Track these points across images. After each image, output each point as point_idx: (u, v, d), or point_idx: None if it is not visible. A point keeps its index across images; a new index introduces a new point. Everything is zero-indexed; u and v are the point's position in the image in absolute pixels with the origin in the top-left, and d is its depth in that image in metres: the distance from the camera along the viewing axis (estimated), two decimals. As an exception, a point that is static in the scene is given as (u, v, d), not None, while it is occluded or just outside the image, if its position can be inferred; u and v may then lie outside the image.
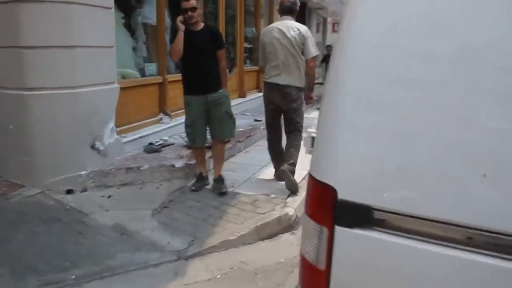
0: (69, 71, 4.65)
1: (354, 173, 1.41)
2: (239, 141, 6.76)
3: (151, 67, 7.08)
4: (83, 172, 4.81)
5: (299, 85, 4.90)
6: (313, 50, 4.83)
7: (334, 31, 22.22)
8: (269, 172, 5.71)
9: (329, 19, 21.90)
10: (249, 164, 6.09)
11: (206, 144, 5.03)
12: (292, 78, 4.83)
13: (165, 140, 6.29)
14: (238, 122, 8.04)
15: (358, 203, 1.37)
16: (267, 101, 5.11)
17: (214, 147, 5.01)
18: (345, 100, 1.44)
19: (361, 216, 1.37)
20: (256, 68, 11.20)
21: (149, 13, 7.04)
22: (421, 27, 1.32)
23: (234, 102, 8.68)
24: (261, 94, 10.94)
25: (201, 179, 5.01)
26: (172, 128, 6.66)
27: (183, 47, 4.59)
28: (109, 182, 4.94)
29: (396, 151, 1.34)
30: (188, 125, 4.81)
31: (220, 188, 4.84)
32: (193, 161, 5.21)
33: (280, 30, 4.79)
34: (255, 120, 8.53)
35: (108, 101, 5.15)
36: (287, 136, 5.14)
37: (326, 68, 14.04)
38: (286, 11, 4.93)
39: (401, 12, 1.35)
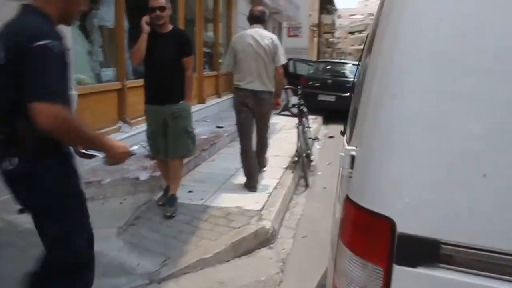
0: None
1: (417, 202, 1.14)
2: (204, 150, 6.44)
3: (108, 72, 6.67)
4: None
5: (271, 90, 5.14)
6: (283, 58, 5.08)
7: (289, 35, 22.27)
8: (238, 181, 5.47)
9: (284, 24, 21.88)
10: (216, 174, 5.79)
11: None
12: (265, 84, 5.06)
13: (125, 150, 5.87)
14: (199, 129, 7.77)
15: (423, 237, 1.10)
16: (240, 105, 5.17)
17: (170, 165, 4.49)
18: (404, 117, 1.18)
19: (427, 252, 1.11)
20: (215, 73, 10.94)
21: (106, 15, 6.63)
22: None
23: (194, 108, 8.34)
24: (220, 100, 10.82)
25: (167, 192, 4.63)
26: (132, 136, 6.24)
27: (146, 50, 4.20)
28: (67, 198, 4.49)
29: (470, 176, 1.08)
30: (149, 137, 4.51)
31: (168, 210, 4.34)
32: (158, 173, 4.86)
33: (254, 38, 4.95)
34: (217, 127, 8.25)
35: (64, 109, 4.71)
36: (257, 139, 5.49)
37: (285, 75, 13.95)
38: (255, 20, 5.16)
39: (467, 19, 1.12)
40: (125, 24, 6.53)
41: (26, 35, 1.83)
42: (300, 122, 6.57)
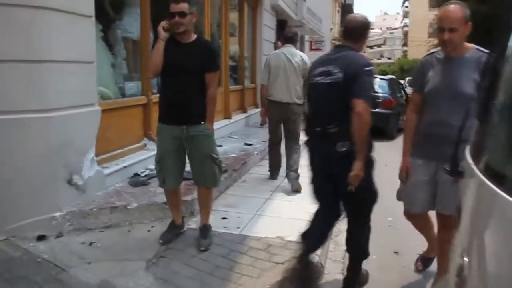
0: (37, 91, 3.79)
1: None
2: (235, 170, 5.96)
3: (132, 86, 6.27)
4: (57, 213, 3.93)
5: (299, 103, 5.75)
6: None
7: (312, 49, 21.88)
8: (274, 206, 4.98)
9: (306, 37, 21.50)
10: (249, 197, 5.31)
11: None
12: (294, 97, 5.74)
13: (151, 170, 5.43)
14: (227, 146, 7.34)
15: None
16: (272, 115, 6.02)
17: (198, 192, 4.03)
18: None
19: None
20: (240, 87, 10.58)
21: (130, 26, 6.25)
22: None
23: (219, 124, 7.96)
24: (246, 114, 10.38)
25: (173, 228, 4.00)
26: (158, 155, 5.81)
27: (164, 61, 3.67)
28: (90, 225, 4.06)
29: None
30: (157, 161, 3.82)
31: (200, 244, 3.86)
32: (189, 197, 4.40)
33: (286, 56, 5.73)
34: (246, 144, 7.78)
35: (87, 126, 4.30)
36: (286, 145, 6.04)
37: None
38: (288, 40, 6.01)
39: None
40: (151, 35, 6.10)
41: (359, 64, 2.95)
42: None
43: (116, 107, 5.23)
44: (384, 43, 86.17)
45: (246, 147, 7.58)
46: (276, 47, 9.17)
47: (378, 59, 79.68)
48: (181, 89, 3.69)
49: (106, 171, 4.72)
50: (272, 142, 6.20)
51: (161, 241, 3.86)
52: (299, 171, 5.74)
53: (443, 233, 3.29)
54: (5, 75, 3.67)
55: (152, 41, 6.17)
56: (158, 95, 6.09)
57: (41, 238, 3.84)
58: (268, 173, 6.33)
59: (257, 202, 5.13)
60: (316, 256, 3.76)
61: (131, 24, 6.21)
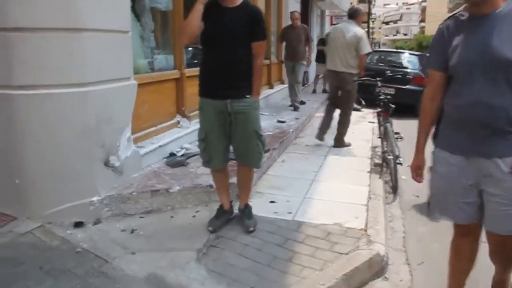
0: (75, 63, 3.41)
1: None
2: (274, 149, 5.56)
3: (161, 60, 5.88)
4: (95, 198, 3.58)
5: (352, 72, 6.34)
6: (365, 48, 6.30)
7: (332, 23, 21.25)
8: (323, 189, 4.63)
9: (327, 12, 20.85)
10: (294, 179, 4.93)
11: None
12: (346, 67, 6.34)
13: (187, 149, 5.08)
14: (263, 123, 6.91)
15: None
16: (331, 82, 6.99)
17: (239, 172, 3.69)
18: None
19: None
20: (267, 62, 10.28)
21: (158, -4, 5.79)
22: None
23: (263, 94, 7.78)
24: (273, 90, 10.02)
25: (222, 213, 3.66)
26: (193, 133, 5.42)
27: (206, 28, 3.25)
28: (130, 210, 3.71)
29: None
30: (201, 139, 3.48)
31: (247, 225, 3.58)
32: (234, 179, 4.00)
33: (341, 31, 6.36)
34: (279, 121, 7.38)
35: (124, 102, 3.92)
36: (340, 114, 6.68)
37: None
38: (348, 16, 6.64)
39: None
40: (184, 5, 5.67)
41: None
42: (387, 119, 5.64)
43: (149, 82, 4.83)
44: (400, 19, 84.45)
45: (279, 124, 7.18)
46: (292, 19, 9.20)
47: (394, 35, 78.25)
48: (225, 59, 3.28)
49: (142, 151, 4.35)
50: (328, 105, 6.98)
51: (210, 229, 3.50)
52: (345, 138, 6.67)
53: (498, 267, 2.64)
54: (41, 45, 3.28)
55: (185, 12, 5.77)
56: (190, 69, 5.79)
57: (78, 225, 3.51)
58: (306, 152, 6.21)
59: (303, 184, 4.75)
60: (381, 248, 3.39)
61: (160, -7, 5.77)
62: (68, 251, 3.16)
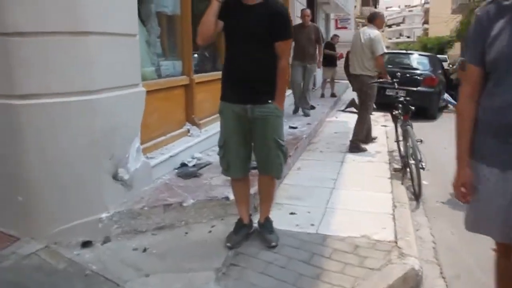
0: (81, 69, 3.15)
1: None
2: (289, 156, 5.28)
3: (168, 66, 5.64)
4: (104, 215, 3.32)
5: (369, 74, 6.40)
6: (379, 49, 6.29)
7: (337, 27, 21.05)
8: (344, 198, 4.37)
9: (332, 15, 20.63)
10: (312, 187, 4.67)
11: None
12: (363, 69, 6.42)
13: (198, 159, 4.82)
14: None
15: None
16: (352, 87, 7.25)
17: (260, 181, 3.43)
18: None
19: None
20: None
21: (164, 0, 5.56)
22: None
23: None
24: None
25: (240, 228, 3.40)
26: (204, 141, 5.20)
27: (226, 27, 3.03)
28: (141, 226, 3.46)
29: None
30: (220, 145, 3.26)
31: (268, 240, 3.31)
32: (252, 189, 3.74)
33: (359, 35, 6.52)
34: (290, 127, 7.11)
35: (133, 110, 3.67)
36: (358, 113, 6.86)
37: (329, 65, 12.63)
38: (367, 20, 6.89)
39: None
40: (192, 10, 5.44)
41: None
42: (407, 121, 5.37)
43: (156, 89, 4.57)
44: (403, 22, 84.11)
45: (291, 130, 6.92)
46: (302, 16, 8.81)
47: (397, 38, 77.89)
48: (245, 60, 3.04)
49: (152, 162, 4.09)
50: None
51: (228, 245, 3.24)
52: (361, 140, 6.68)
53: None
54: (45, 50, 3.04)
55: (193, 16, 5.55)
56: (200, 75, 5.55)
57: (86, 244, 3.25)
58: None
59: (322, 193, 4.48)
60: (415, 262, 3.11)
61: (166, -2, 5.55)
62: (76, 274, 2.91)
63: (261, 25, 2.99)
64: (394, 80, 6.15)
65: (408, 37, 78.10)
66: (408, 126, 5.23)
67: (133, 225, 3.42)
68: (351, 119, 9.28)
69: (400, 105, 5.60)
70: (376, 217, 3.91)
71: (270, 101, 3.08)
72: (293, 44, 8.61)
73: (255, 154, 3.29)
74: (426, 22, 66.47)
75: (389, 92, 11.19)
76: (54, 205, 3.20)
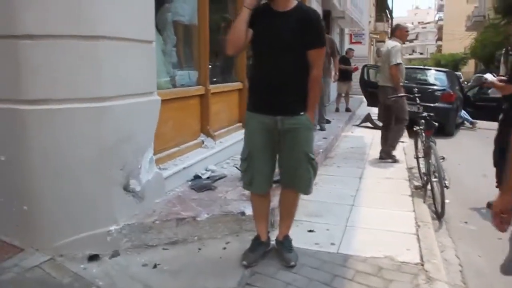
0: (92, 74, 3.01)
1: None
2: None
3: (184, 76, 5.50)
4: (113, 227, 3.15)
5: (389, 85, 6.49)
6: (393, 60, 6.34)
7: (351, 42, 20.93)
8: (365, 216, 4.18)
9: (346, 30, 20.52)
10: (331, 204, 4.46)
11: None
12: (385, 81, 6.63)
13: (213, 171, 4.65)
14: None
15: None
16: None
17: (283, 196, 3.26)
18: None
19: None
20: None
21: (181, 9, 5.43)
22: None
23: None
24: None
25: (258, 246, 3.19)
26: (218, 153, 5.02)
27: (256, 35, 2.86)
28: (152, 241, 3.28)
29: None
30: (244, 158, 3.06)
31: (287, 259, 3.11)
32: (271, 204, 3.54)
33: (383, 48, 6.89)
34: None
35: (146, 119, 3.51)
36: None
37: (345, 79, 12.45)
38: (390, 34, 7.47)
39: None
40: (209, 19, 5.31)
41: None
42: (430, 137, 5.17)
43: (171, 98, 4.42)
44: (416, 38, 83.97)
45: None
46: None
47: (410, 54, 77.69)
48: (276, 70, 2.86)
49: (165, 174, 3.92)
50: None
51: (244, 263, 3.04)
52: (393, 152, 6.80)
53: None
54: (54, 54, 2.89)
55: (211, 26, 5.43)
56: (216, 85, 5.40)
57: (93, 258, 3.07)
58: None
59: (342, 210, 4.28)
60: (445, 287, 2.90)
61: (182, 7, 5.40)
62: (82, 290, 2.72)
63: (293, 32, 2.82)
64: (416, 95, 5.97)
65: (421, 53, 77.94)
66: (432, 143, 5.02)
67: (144, 239, 3.25)
68: (367, 134, 9.12)
69: (423, 121, 5.41)
70: (399, 237, 3.70)
71: (302, 113, 2.92)
72: None
73: (281, 168, 3.10)
74: (439, 38, 66.32)
75: (408, 108, 11.04)
76: (60, 215, 3.04)
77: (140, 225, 3.24)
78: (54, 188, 3.01)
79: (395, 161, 6.63)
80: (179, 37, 5.42)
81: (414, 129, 5.82)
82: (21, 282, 2.75)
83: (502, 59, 31.03)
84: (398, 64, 6.32)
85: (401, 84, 6.50)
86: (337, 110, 12.55)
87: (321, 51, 2.93)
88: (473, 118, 12.18)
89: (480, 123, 11.86)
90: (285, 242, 3.19)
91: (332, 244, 3.47)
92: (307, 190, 3.13)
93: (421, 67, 15.30)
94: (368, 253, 3.31)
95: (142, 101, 3.42)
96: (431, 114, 5.44)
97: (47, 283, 2.77)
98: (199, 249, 3.31)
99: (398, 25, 6.98)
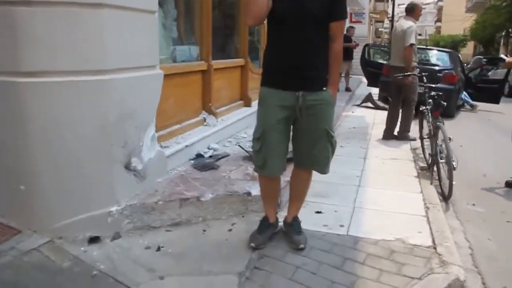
0: (93, 45, 2.83)
1: None
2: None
3: (184, 51, 5.35)
4: (114, 208, 3.01)
5: (403, 65, 6.34)
6: (408, 41, 6.24)
7: (352, 21, 20.64)
8: (372, 197, 4.07)
9: (348, 9, 20.20)
10: (337, 184, 4.34)
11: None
12: (399, 61, 6.49)
13: (215, 149, 4.51)
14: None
15: None
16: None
17: (295, 176, 3.10)
18: None
19: None
20: None
21: (182, -18, 5.25)
22: None
23: None
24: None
25: (266, 227, 3.05)
26: (220, 131, 4.87)
27: (276, 6, 2.63)
28: (154, 222, 3.14)
29: None
30: (257, 138, 2.82)
31: (296, 241, 2.98)
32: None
33: (396, 27, 6.71)
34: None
35: (149, 94, 3.36)
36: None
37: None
38: (405, 12, 6.78)
39: None
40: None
41: None
42: (438, 118, 5.03)
43: (173, 73, 4.26)
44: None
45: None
46: None
47: (408, 35, 77.13)
48: (299, 43, 2.68)
49: (167, 152, 3.78)
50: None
51: (252, 245, 2.92)
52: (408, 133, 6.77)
53: None
54: (53, 23, 2.71)
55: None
56: (218, 61, 5.22)
57: (94, 240, 2.94)
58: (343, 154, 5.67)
59: (349, 191, 4.17)
60: (460, 271, 2.79)
61: (183, -21, 5.22)
62: (82, 274, 2.60)
63: (317, 3, 2.65)
64: (424, 74, 5.86)
65: (420, 34, 76.99)
66: (440, 123, 4.88)
67: (146, 221, 3.12)
68: (368, 114, 8.98)
69: (430, 101, 5.27)
70: (409, 219, 3.58)
71: (324, 88, 2.78)
72: None
73: (296, 146, 2.94)
74: (439, 20, 65.82)
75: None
76: (59, 196, 2.90)
77: (142, 205, 3.10)
78: (52, 166, 2.86)
79: (413, 139, 6.58)
80: (180, 10, 5.23)
81: (421, 109, 5.67)
82: (18, 265, 2.62)
83: (502, 41, 30.79)
84: (412, 45, 6.24)
85: (414, 65, 6.43)
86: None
87: (343, 24, 2.79)
88: (473, 100, 12.05)
89: (481, 105, 11.74)
90: (294, 224, 3.07)
91: (341, 226, 3.35)
92: (325, 169, 2.98)
93: (423, 47, 15.07)
94: (379, 235, 3.20)
95: (144, 75, 3.26)
96: (440, 93, 5.28)
97: (45, 267, 2.64)
98: (204, 230, 3.18)
99: (415, 4, 6.70)
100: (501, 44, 31.41)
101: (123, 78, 2.98)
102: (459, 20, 42.35)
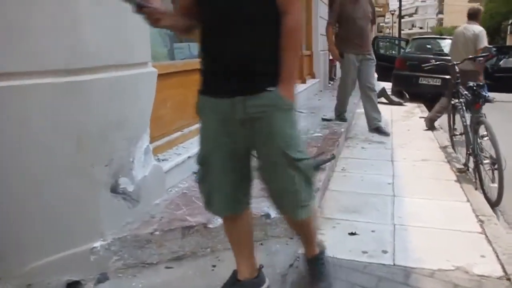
0: (67, 39, 2.18)
1: None
2: (333, 156, 4.32)
3: (183, 48, 4.79)
4: (98, 243, 2.37)
5: (473, 69, 6.02)
6: (481, 43, 6.23)
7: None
8: (413, 210, 3.42)
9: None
10: (367, 195, 3.71)
11: None
12: (469, 65, 5.95)
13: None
14: (304, 123, 5.54)
15: None
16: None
17: (289, 224, 2.26)
18: None
19: None
20: (309, 52, 10.11)
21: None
22: None
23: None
24: (306, 85, 8.78)
25: (231, 285, 2.20)
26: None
27: None
28: (151, 258, 2.50)
29: None
30: (199, 163, 2.01)
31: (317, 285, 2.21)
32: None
33: (463, 30, 6.53)
34: (324, 119, 6.15)
35: (140, 97, 2.71)
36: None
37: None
38: (468, 18, 6.63)
39: None
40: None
41: None
42: (479, 111, 4.38)
43: (170, 72, 3.63)
44: (415, 12, 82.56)
45: (326, 123, 5.96)
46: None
47: (410, 29, 76.43)
48: (228, 26, 1.80)
49: (165, 166, 3.14)
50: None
51: None
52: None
53: None
54: (17, 13, 2.09)
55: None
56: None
57: (72, 285, 2.30)
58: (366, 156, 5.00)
59: (383, 203, 3.51)
60: None
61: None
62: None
63: None
64: (455, 62, 5.34)
65: (421, 28, 76.66)
66: (482, 118, 4.23)
67: (140, 256, 2.48)
68: (384, 110, 8.30)
69: (466, 93, 4.64)
70: (464, 238, 2.94)
71: (270, 88, 1.82)
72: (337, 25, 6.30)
73: (266, 183, 2.00)
74: (440, 12, 65.14)
75: (422, 81, 10.24)
76: (28, 231, 2.25)
77: (134, 237, 2.46)
78: (16, 195, 2.21)
79: (435, 129, 6.63)
80: (177, 4, 4.60)
81: (452, 102, 5.04)
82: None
83: (509, 29, 30.09)
84: (485, 48, 6.24)
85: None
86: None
87: None
88: (492, 91, 11.37)
89: (498, 96, 11.04)
90: (313, 265, 2.28)
91: (384, 252, 2.70)
92: (296, 212, 1.98)
93: (437, 36, 14.43)
94: (433, 264, 2.54)
95: (133, 74, 2.63)
96: (481, 83, 4.63)
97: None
98: (213, 266, 2.53)
99: (479, 9, 6.78)
100: (508, 32, 30.72)
101: (105, 78, 2.34)
102: (462, 11, 41.71)
